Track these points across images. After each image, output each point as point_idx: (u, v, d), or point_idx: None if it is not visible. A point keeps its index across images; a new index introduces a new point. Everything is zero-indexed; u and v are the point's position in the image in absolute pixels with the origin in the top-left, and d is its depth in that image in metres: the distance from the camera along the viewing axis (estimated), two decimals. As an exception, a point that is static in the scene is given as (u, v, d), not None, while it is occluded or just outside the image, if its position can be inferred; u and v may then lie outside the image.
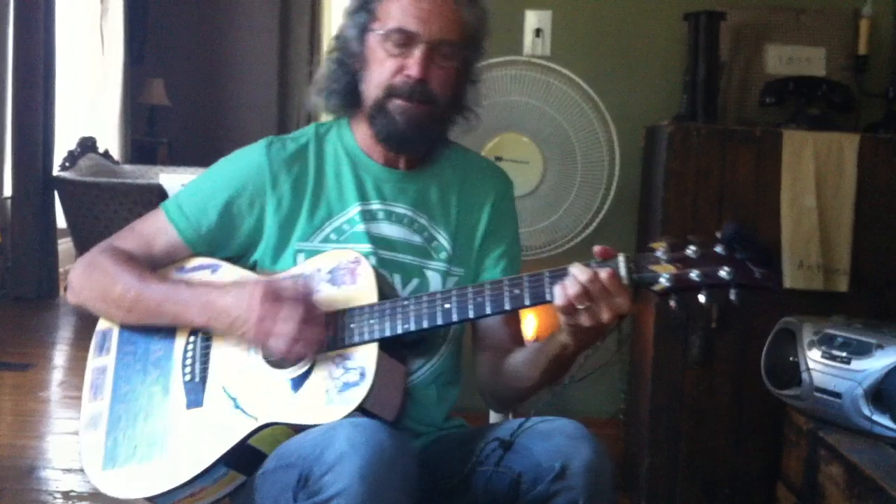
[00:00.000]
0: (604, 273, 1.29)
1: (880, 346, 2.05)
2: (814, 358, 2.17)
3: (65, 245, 5.53)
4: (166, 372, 1.50)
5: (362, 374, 1.37)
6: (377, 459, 1.22)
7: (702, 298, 1.30)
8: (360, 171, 1.58)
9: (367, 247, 1.52)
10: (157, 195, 4.85)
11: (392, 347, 1.41)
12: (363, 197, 1.56)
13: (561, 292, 1.31)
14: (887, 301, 2.47)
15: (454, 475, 1.40)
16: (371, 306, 1.41)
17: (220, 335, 1.48)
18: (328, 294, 1.44)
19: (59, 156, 5.43)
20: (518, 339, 1.59)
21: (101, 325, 1.58)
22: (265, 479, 1.37)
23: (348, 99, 1.57)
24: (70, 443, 3.01)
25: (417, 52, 1.48)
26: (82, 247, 5.12)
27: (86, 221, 5.04)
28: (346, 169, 1.57)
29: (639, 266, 1.31)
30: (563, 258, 2.50)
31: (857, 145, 2.44)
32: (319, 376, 1.39)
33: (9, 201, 5.19)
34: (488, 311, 1.37)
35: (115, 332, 1.56)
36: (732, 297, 1.29)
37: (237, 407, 1.43)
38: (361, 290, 1.43)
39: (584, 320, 1.31)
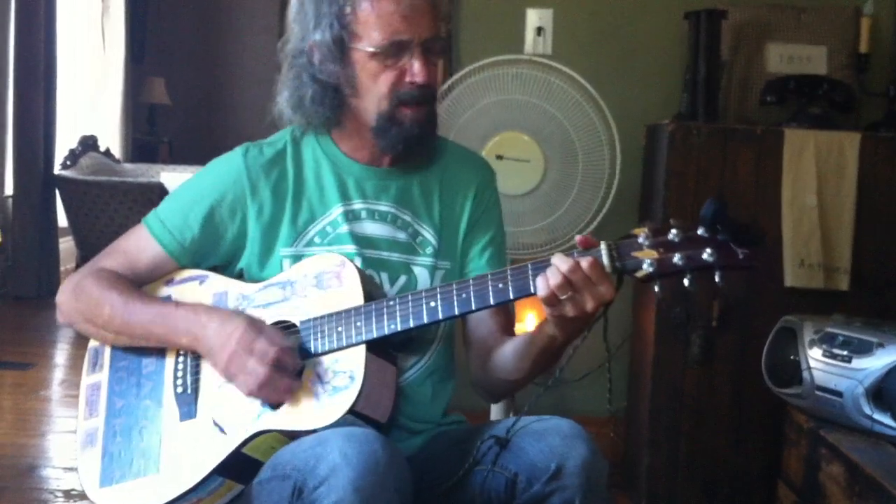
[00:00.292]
0: (585, 262, 1.29)
1: (881, 345, 2.05)
2: (814, 357, 2.17)
3: (66, 244, 5.52)
4: (158, 385, 1.50)
5: (351, 378, 1.36)
6: (370, 471, 1.23)
7: (686, 282, 1.28)
8: (340, 171, 1.56)
9: (351, 248, 1.52)
10: (157, 194, 4.85)
11: (380, 348, 1.41)
12: (345, 197, 1.55)
13: (543, 284, 1.31)
14: (888, 300, 2.47)
15: (451, 474, 1.40)
16: (357, 308, 1.40)
17: None
18: (315, 298, 1.44)
19: (60, 154, 5.43)
20: (508, 330, 1.58)
21: (93, 342, 1.58)
22: (261, 488, 1.37)
23: (334, 116, 1.53)
24: (71, 441, 3.00)
25: (416, 57, 1.46)
26: (83, 245, 5.12)
27: (87, 220, 5.04)
28: (325, 170, 1.56)
29: (621, 253, 1.30)
30: (563, 257, 2.48)
31: (858, 144, 2.44)
32: (309, 381, 1.39)
33: (10, 200, 5.18)
34: (473, 306, 1.37)
35: (108, 348, 1.56)
36: (717, 279, 1.27)
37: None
38: (347, 292, 1.42)
39: (569, 310, 1.31)
